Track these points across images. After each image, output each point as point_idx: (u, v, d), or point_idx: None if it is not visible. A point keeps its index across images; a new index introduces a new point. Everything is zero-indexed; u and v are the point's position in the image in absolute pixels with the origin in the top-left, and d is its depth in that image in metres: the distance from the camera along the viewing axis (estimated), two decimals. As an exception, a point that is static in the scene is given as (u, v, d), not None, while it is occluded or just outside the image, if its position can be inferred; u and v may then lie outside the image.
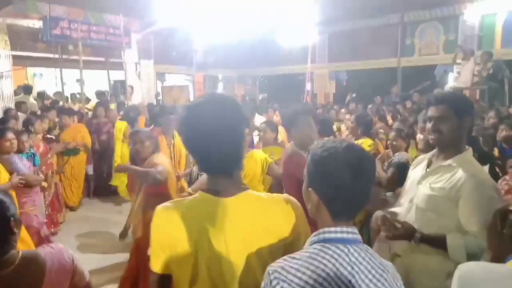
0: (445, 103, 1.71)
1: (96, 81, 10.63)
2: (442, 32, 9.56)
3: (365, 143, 4.08)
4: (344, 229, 1.01)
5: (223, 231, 1.10)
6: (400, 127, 3.68)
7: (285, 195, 1.23)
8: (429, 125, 1.77)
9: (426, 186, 1.78)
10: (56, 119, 6.15)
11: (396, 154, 3.55)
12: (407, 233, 1.70)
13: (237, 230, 1.10)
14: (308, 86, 11.31)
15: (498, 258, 1.18)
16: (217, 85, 13.76)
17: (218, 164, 1.13)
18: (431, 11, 9.35)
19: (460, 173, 1.68)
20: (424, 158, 1.93)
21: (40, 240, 3.44)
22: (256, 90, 14.08)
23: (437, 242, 1.67)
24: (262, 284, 0.99)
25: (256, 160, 3.26)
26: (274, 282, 0.95)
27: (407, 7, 9.45)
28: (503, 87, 7.57)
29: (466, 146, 1.78)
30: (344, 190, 1.00)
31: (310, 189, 1.05)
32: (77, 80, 9.81)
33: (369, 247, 1.04)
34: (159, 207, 1.16)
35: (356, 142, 4.04)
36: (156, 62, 10.71)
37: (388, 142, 3.77)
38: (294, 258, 0.99)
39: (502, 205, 1.22)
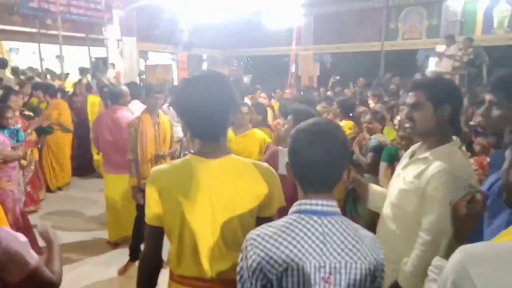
0: (421, 89, 1.58)
1: (76, 58, 10.34)
2: (425, 17, 9.66)
3: (346, 125, 4.17)
4: (319, 201, 1.06)
5: (209, 189, 1.26)
6: (376, 110, 3.74)
7: (264, 163, 1.37)
8: (405, 111, 1.66)
9: (400, 179, 1.66)
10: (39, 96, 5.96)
11: (372, 136, 3.64)
12: None
13: (221, 189, 1.26)
14: (292, 68, 11.32)
15: (460, 235, 1.18)
16: (202, 65, 13.58)
17: (206, 130, 1.29)
18: (416, -4, 9.42)
19: (433, 166, 1.53)
20: (409, 151, 1.78)
21: (15, 216, 3.41)
22: (241, 71, 13.98)
23: None
24: (243, 251, 1.07)
25: (255, 139, 3.30)
26: (248, 248, 1.03)
27: (392, -10, 9.49)
28: (482, 72, 7.76)
29: (454, 137, 1.61)
30: (310, 165, 1.06)
31: (287, 164, 1.13)
32: (57, 56, 9.53)
33: (346, 220, 1.09)
34: (154, 169, 1.33)
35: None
36: (139, 40, 10.47)
37: (365, 125, 3.82)
38: (270, 226, 1.06)
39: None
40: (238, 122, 3.46)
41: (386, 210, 1.73)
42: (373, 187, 1.90)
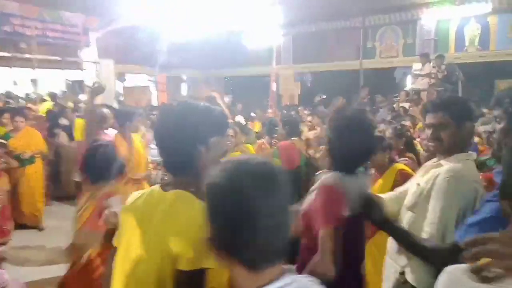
0: (443, 110, 1.68)
1: (51, 81, 10.10)
2: (401, 36, 9.93)
3: None
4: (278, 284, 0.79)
5: (143, 221, 1.20)
6: (382, 136, 3.31)
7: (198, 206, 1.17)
8: (428, 132, 1.74)
9: (416, 186, 1.76)
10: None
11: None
12: None
13: (151, 222, 1.17)
14: (273, 87, 11.37)
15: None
16: (181, 86, 13.51)
17: (165, 162, 1.29)
18: (391, 16, 9.70)
19: (442, 169, 1.64)
20: (430, 163, 1.86)
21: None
22: (222, 91, 13.96)
23: None
24: None
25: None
26: None
27: (368, 11, 9.74)
28: (457, 88, 7.95)
29: (470, 152, 1.73)
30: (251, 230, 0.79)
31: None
32: (32, 80, 9.29)
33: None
34: (133, 193, 1.33)
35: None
36: (116, 62, 10.35)
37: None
38: None
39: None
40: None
41: (403, 219, 1.81)
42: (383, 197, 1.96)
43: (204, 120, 1.22)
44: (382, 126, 4.42)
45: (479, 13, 8.49)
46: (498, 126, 1.49)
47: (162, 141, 1.25)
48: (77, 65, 9.15)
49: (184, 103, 1.31)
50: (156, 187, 1.27)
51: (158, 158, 5.10)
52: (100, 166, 2.21)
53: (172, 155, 1.23)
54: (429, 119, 1.73)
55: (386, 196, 2.00)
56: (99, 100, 9.15)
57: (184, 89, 13.65)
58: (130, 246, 1.20)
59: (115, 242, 1.31)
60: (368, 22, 10.10)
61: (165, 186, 1.24)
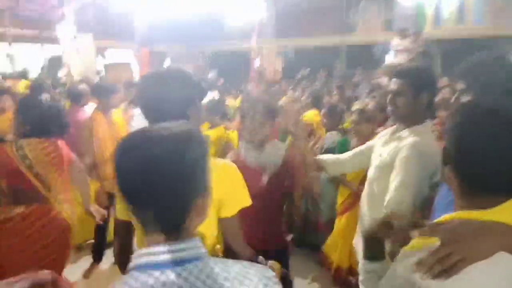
0: (403, 77, 1.73)
1: (29, 57, 9.85)
2: (381, 11, 9.96)
3: (312, 113, 4.38)
4: (160, 248, 0.74)
5: None
6: (364, 109, 3.56)
7: (223, 160, 1.36)
8: (388, 97, 1.80)
9: (378, 157, 1.83)
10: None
11: (327, 135, 3.64)
12: None
13: None
14: (256, 63, 11.34)
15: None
16: (164, 62, 13.31)
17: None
18: (372, -10, 9.69)
19: (405, 141, 1.68)
20: (388, 131, 1.94)
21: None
22: (207, 66, 13.82)
23: None
24: None
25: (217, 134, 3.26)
26: None
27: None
28: (435, 63, 8.12)
29: (427, 120, 1.78)
30: (134, 194, 0.76)
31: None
32: (8, 55, 9.04)
33: (210, 262, 0.77)
34: None
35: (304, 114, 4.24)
36: (96, 37, 10.11)
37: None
38: None
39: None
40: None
41: (366, 189, 1.89)
42: (324, 158, 2.08)
43: (191, 84, 1.31)
44: (365, 100, 4.57)
45: (457, -12, 8.58)
46: (466, 99, 1.45)
47: (154, 106, 1.25)
48: (55, 40, 8.91)
49: (167, 69, 1.38)
50: None
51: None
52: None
53: (165, 118, 1.13)
54: (391, 84, 1.79)
55: (347, 154, 2.09)
56: (78, 76, 9.03)
57: (167, 65, 13.47)
58: None
59: (121, 214, 1.33)
60: (350, -4, 10.08)
61: None
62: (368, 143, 2.07)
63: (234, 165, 1.34)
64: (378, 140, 1.97)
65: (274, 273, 0.84)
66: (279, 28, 11.44)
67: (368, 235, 1.09)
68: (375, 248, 1.08)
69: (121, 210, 1.33)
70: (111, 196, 3.27)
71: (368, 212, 1.85)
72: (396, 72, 1.80)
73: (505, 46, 8.21)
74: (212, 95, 6.96)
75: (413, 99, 1.71)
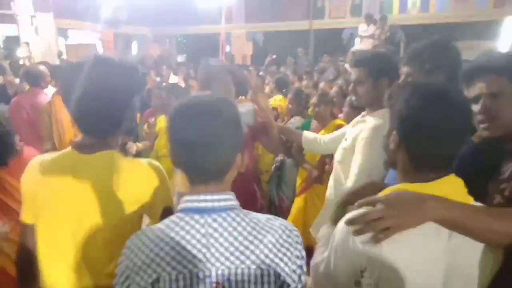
0: (362, 66, 1.77)
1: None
2: (349, -4, 10.08)
3: (277, 97, 4.44)
4: (202, 196, 0.89)
5: (76, 190, 1.10)
6: (325, 92, 3.56)
7: (150, 160, 1.21)
8: (350, 87, 1.84)
9: (344, 141, 1.88)
10: None
11: (291, 120, 3.66)
12: None
13: (88, 190, 1.10)
14: (225, 47, 11.21)
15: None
16: (130, 45, 12.90)
17: (86, 125, 1.15)
18: (340, -25, 9.77)
19: (365, 125, 1.74)
20: (358, 117, 1.96)
21: None
22: (174, 50, 13.53)
23: None
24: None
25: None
26: (121, 258, 0.89)
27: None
28: (399, 50, 8.35)
29: None
30: (190, 147, 0.88)
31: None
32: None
33: (244, 214, 0.91)
34: (32, 161, 1.18)
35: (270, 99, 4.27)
36: (57, 16, 9.61)
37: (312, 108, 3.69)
38: (150, 230, 0.90)
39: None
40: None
41: (333, 171, 1.95)
42: (305, 133, 2.14)
43: (132, 78, 1.18)
44: (322, 85, 4.66)
45: (422, -25, 8.80)
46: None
47: (93, 102, 1.11)
48: (11, 19, 8.41)
49: (97, 60, 1.17)
50: (70, 150, 1.15)
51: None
52: None
53: (104, 116, 1.12)
54: (352, 73, 1.85)
55: (327, 137, 2.16)
56: (38, 57, 8.60)
57: (134, 48, 13.06)
58: (81, 215, 1.10)
59: (27, 218, 1.18)
60: (319, -20, 10.11)
61: (83, 149, 1.13)
62: (343, 129, 2.12)
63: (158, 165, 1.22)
64: (350, 125, 2.02)
65: (295, 228, 0.95)
66: (248, 13, 11.33)
67: (338, 203, 1.19)
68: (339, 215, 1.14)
69: (25, 213, 1.18)
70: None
71: (333, 193, 1.90)
72: (355, 61, 1.85)
73: (465, 33, 8.56)
74: (176, 80, 6.87)
75: (373, 87, 1.75)
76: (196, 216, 0.87)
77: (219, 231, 0.86)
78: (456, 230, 0.88)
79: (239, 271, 0.84)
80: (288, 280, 0.87)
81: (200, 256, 0.84)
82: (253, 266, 0.85)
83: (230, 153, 0.91)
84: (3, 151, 1.82)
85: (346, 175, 1.80)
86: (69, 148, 1.17)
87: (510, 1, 8.46)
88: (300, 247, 0.92)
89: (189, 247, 0.85)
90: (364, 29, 8.57)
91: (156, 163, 1.20)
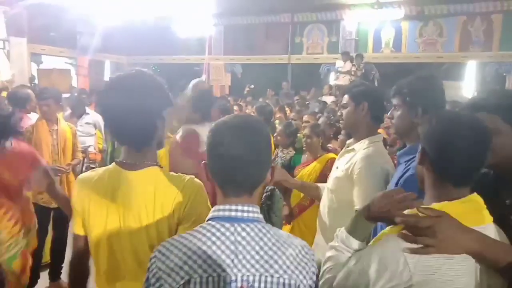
0: (347, 93, 1.94)
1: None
2: (326, 34, 10.54)
3: None
4: (233, 207, 0.95)
5: (122, 204, 1.17)
6: (317, 123, 3.65)
7: (189, 177, 1.25)
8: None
9: (335, 169, 1.97)
10: None
11: (279, 154, 3.68)
12: None
13: (133, 204, 1.17)
14: (203, 77, 11.27)
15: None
16: (104, 72, 12.70)
17: (126, 138, 1.21)
18: (317, 14, 10.24)
19: (357, 155, 1.84)
20: (347, 143, 2.06)
21: None
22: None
23: None
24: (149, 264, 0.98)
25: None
26: (152, 260, 0.94)
27: (297, 8, 10.14)
28: (373, 85, 8.71)
29: (379, 132, 1.97)
30: (231, 161, 0.93)
31: (204, 162, 1.01)
32: None
33: (269, 228, 0.97)
34: (79, 176, 1.28)
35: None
36: (30, 41, 9.37)
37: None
38: (181, 236, 0.95)
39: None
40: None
41: (323, 198, 1.98)
42: (321, 187, 2.11)
43: (162, 90, 1.22)
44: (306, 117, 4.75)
45: (394, 18, 9.38)
46: (397, 113, 1.65)
47: (123, 114, 1.14)
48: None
49: (137, 72, 1.22)
50: (114, 167, 1.21)
51: (87, 145, 4.81)
52: None
53: (136, 129, 1.16)
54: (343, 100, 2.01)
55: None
56: (7, 80, 8.23)
57: (107, 75, 12.86)
58: (127, 227, 1.17)
59: (78, 230, 1.26)
60: (297, 18, 10.53)
61: (126, 165, 1.19)
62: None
63: (198, 181, 1.26)
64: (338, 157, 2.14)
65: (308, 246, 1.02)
66: (227, 44, 11.55)
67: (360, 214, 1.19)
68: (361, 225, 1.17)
69: (75, 224, 1.27)
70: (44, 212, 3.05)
71: (330, 223, 1.93)
72: (346, 89, 2.05)
73: (434, 73, 9.09)
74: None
75: (354, 110, 1.88)
76: (227, 225, 0.93)
77: (247, 240, 0.92)
78: (485, 265, 0.98)
79: (262, 278, 0.91)
80: None
81: (228, 261, 0.90)
82: (276, 275, 0.91)
83: (263, 169, 0.98)
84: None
85: (340, 203, 1.87)
86: (113, 165, 1.23)
87: (474, 45, 9.16)
88: (315, 265, 0.99)
89: (219, 252, 0.90)
90: (340, 65, 8.93)
91: (198, 180, 1.24)
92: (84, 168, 4.51)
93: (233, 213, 0.94)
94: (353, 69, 8.70)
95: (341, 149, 2.25)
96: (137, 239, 1.16)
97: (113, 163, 1.23)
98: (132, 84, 1.17)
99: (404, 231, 1.00)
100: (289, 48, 10.74)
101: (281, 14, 10.46)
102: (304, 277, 0.94)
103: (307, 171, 3.09)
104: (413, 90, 1.59)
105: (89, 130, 4.71)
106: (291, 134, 3.74)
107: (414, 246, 0.96)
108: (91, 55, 11.11)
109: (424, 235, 0.95)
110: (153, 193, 1.16)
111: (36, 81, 9.45)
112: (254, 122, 1.00)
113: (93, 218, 1.20)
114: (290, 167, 3.49)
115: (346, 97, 1.94)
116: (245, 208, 0.95)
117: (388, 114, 1.80)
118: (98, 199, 1.19)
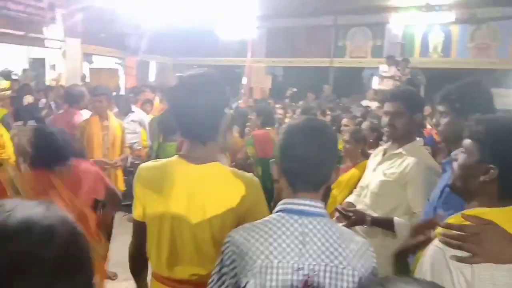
0: (400, 100, 1.89)
1: (11, 57, 9.54)
2: (370, 37, 10.30)
3: None
4: (302, 201, 1.04)
5: (186, 194, 1.24)
6: (358, 128, 3.51)
7: (250, 174, 1.34)
8: (385, 119, 1.93)
9: (379, 173, 1.96)
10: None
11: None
12: (359, 218, 1.84)
13: (197, 195, 1.23)
14: (244, 80, 11.40)
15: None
16: (149, 72, 13.18)
17: (193, 132, 1.27)
18: (362, 17, 10.01)
19: (408, 160, 1.85)
20: (381, 149, 2.12)
21: None
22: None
23: (386, 224, 1.84)
24: (222, 248, 1.07)
25: None
26: (226, 244, 1.03)
27: (340, 10, 9.99)
28: (419, 92, 8.39)
29: (417, 138, 1.98)
30: (302, 161, 1.04)
31: (275, 162, 1.15)
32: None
33: (332, 223, 1.07)
34: (142, 165, 1.34)
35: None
36: (83, 42, 9.93)
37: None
38: (252, 225, 1.05)
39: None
40: None
41: (365, 201, 2.01)
42: (395, 220, 1.96)
43: (225, 90, 1.32)
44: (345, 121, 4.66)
45: (443, 22, 8.98)
46: (444, 120, 1.61)
47: (192, 110, 1.22)
48: (41, 42, 8.68)
49: (205, 72, 1.32)
50: (177, 159, 1.28)
51: (132, 142, 5.01)
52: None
53: (201, 123, 1.24)
54: (387, 107, 1.93)
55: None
56: (63, 80, 8.78)
57: (152, 75, 13.34)
58: (190, 216, 1.22)
59: (137, 215, 1.32)
60: (340, 21, 10.37)
61: (190, 158, 1.26)
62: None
63: (257, 180, 1.34)
64: (370, 161, 2.15)
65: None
66: (269, 47, 11.59)
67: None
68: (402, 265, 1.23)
69: (135, 210, 1.33)
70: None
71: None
72: (392, 95, 1.96)
73: (485, 80, 8.59)
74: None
75: (409, 120, 1.87)
76: (295, 217, 1.02)
77: (313, 232, 1.01)
78: None
79: (328, 268, 0.98)
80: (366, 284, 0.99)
81: (296, 250, 0.99)
82: (341, 266, 0.99)
83: (332, 168, 1.09)
84: (48, 153, 1.94)
85: (384, 207, 1.90)
86: (176, 157, 1.30)
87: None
88: (375, 261, 1.06)
89: (288, 241, 0.99)
90: (385, 69, 8.67)
91: (251, 176, 1.31)
92: (129, 164, 4.70)
93: (301, 207, 1.03)
94: (398, 74, 8.43)
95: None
96: (199, 229, 1.22)
97: (176, 156, 1.30)
98: (201, 83, 1.26)
99: (446, 238, 0.97)
100: (331, 51, 10.60)
101: (324, 16, 10.34)
102: (366, 270, 1.01)
103: (345, 177, 3.02)
104: (462, 96, 1.55)
105: (135, 128, 4.89)
106: (362, 140, 3.52)
107: (459, 253, 0.94)
108: (138, 55, 11.60)
109: (468, 242, 0.93)
110: (219, 187, 1.23)
111: (87, 80, 10.01)
112: (322, 125, 1.13)
113: (156, 205, 1.26)
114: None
115: (398, 104, 1.89)
116: (312, 203, 1.04)
117: (434, 121, 1.81)
118: (161, 188, 1.25)
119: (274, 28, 11.27)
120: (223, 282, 1.03)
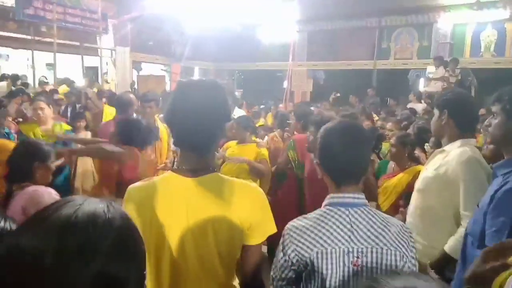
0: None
1: (67, 66, 10.25)
2: (416, 38, 9.93)
3: None
4: (346, 194, 1.20)
5: (185, 212, 1.14)
6: (407, 133, 3.39)
7: (253, 184, 1.30)
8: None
9: (425, 170, 2.00)
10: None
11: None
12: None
13: (198, 211, 1.14)
14: (285, 83, 11.43)
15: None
16: (193, 77, 13.59)
17: (190, 143, 1.18)
18: (407, 17, 9.69)
19: (451, 156, 1.84)
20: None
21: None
22: (233, 85, 14.03)
23: (443, 260, 1.80)
24: (281, 240, 1.19)
25: (252, 150, 3.38)
26: (286, 241, 1.16)
27: (384, 11, 9.74)
28: (470, 93, 7.96)
29: (468, 138, 1.91)
30: (342, 158, 1.19)
31: (316, 162, 1.27)
32: (48, 64, 9.42)
33: (374, 210, 1.21)
34: (131, 186, 1.22)
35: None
36: (132, 50, 10.47)
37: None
38: (305, 218, 1.20)
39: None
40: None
41: (412, 199, 2.03)
42: (447, 247, 1.92)
43: (226, 101, 1.22)
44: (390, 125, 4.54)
45: (496, 19, 8.48)
46: (494, 121, 1.56)
47: (193, 120, 1.14)
48: (95, 52, 9.27)
49: (207, 80, 1.26)
50: (172, 174, 1.18)
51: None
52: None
53: (198, 133, 1.15)
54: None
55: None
56: (113, 86, 9.27)
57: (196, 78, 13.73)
58: (196, 233, 1.14)
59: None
60: (384, 22, 10.10)
61: (186, 171, 1.16)
62: None
63: (262, 191, 1.28)
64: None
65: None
66: (311, 50, 11.53)
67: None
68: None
69: None
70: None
71: (417, 223, 1.95)
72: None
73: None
74: (241, 112, 7.04)
75: (438, 118, 1.91)
76: (342, 209, 1.17)
77: (359, 220, 1.16)
78: None
79: (374, 250, 1.14)
80: (408, 263, 1.17)
81: (346, 237, 1.14)
82: (385, 248, 1.14)
83: (367, 160, 1.28)
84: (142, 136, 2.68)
85: (428, 203, 1.90)
86: (168, 173, 1.21)
87: None
88: (413, 240, 1.21)
89: (338, 230, 1.15)
90: (432, 71, 8.34)
91: (255, 186, 1.28)
92: (174, 167, 4.88)
93: (346, 200, 1.19)
94: (447, 74, 8.06)
95: (426, 157, 2.15)
96: (203, 244, 1.14)
97: (169, 171, 1.21)
98: (205, 94, 1.18)
99: None
100: (375, 53, 10.34)
101: (367, 18, 10.13)
102: (407, 250, 1.17)
103: (393, 182, 2.96)
104: (510, 99, 1.48)
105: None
106: (406, 144, 3.46)
107: None
108: (183, 62, 12.02)
109: None
110: (222, 200, 1.15)
111: (135, 86, 10.52)
112: (357, 125, 1.32)
113: (151, 228, 1.14)
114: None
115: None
116: (356, 195, 1.20)
117: (486, 122, 1.68)
118: (156, 209, 1.14)
119: (315, 31, 11.20)
120: (285, 269, 1.16)
